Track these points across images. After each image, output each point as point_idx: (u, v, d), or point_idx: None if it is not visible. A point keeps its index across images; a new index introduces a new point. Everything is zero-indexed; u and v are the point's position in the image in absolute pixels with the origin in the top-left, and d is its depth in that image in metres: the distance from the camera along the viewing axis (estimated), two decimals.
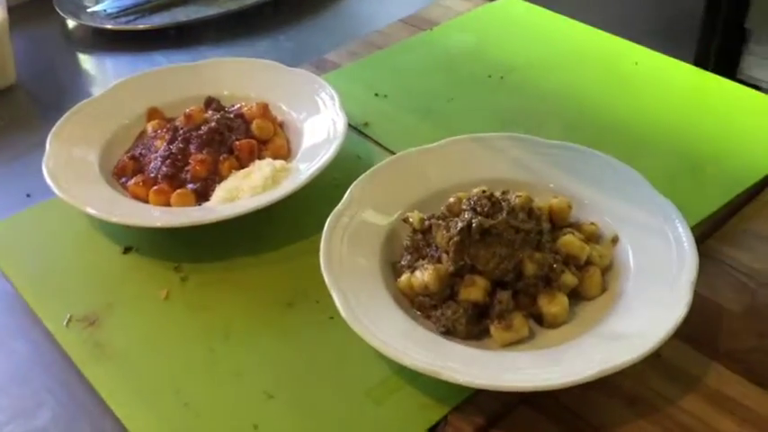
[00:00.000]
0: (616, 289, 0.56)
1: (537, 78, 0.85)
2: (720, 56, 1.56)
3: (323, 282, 0.56)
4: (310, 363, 0.56)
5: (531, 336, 0.55)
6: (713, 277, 0.61)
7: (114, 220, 0.63)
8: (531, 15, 0.97)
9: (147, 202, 0.67)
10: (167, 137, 0.70)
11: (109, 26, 1.03)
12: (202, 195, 0.67)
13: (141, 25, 1.03)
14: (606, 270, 0.59)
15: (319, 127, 0.72)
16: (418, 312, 0.57)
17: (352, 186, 0.63)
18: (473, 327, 0.55)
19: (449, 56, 0.90)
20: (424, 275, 0.56)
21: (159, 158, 0.69)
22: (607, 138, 0.75)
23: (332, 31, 1.01)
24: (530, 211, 0.57)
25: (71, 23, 1.06)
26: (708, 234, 0.65)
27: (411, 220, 0.60)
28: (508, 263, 0.55)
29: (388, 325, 0.54)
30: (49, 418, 0.54)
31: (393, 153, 0.73)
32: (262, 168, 0.66)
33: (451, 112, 0.81)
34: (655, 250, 0.57)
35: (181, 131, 0.70)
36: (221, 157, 0.68)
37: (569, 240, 0.57)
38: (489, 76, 0.86)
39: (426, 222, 0.59)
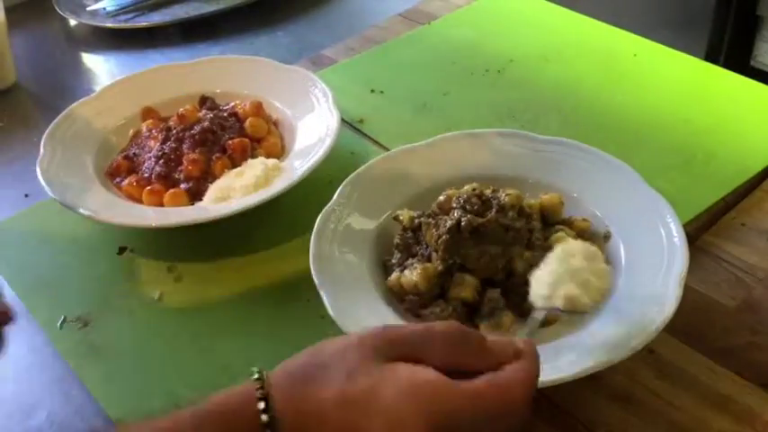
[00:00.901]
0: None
1: (534, 71, 0.85)
2: (733, 44, 1.55)
3: (313, 281, 0.56)
4: None
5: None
6: (708, 272, 0.61)
7: (108, 220, 0.64)
8: (529, 7, 0.97)
9: (140, 202, 0.67)
10: (160, 137, 0.70)
11: (109, 24, 1.03)
12: (195, 195, 0.67)
13: (141, 23, 1.03)
14: None
15: (313, 125, 0.72)
16: (408, 311, 0.56)
17: (342, 185, 0.63)
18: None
19: (446, 50, 0.90)
20: (413, 275, 0.56)
21: (153, 158, 0.69)
22: (605, 131, 0.74)
23: (330, 26, 1.01)
24: (520, 209, 0.57)
25: (71, 22, 1.07)
26: (704, 228, 0.64)
27: (401, 218, 0.60)
28: (498, 261, 0.55)
29: (378, 323, 0.53)
30: (43, 417, 0.55)
31: (387, 149, 0.73)
32: (254, 167, 0.66)
33: (448, 106, 0.81)
34: (645, 246, 0.56)
35: (174, 131, 0.70)
36: (214, 157, 0.68)
37: (561, 237, 0.57)
38: (487, 70, 0.86)
39: (416, 220, 0.59)
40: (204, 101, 0.76)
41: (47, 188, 0.66)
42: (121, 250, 0.66)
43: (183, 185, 0.67)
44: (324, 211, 0.61)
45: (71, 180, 0.68)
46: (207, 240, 0.66)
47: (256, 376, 0.40)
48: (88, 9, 1.06)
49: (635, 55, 0.85)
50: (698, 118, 0.75)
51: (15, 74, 0.94)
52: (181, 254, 0.65)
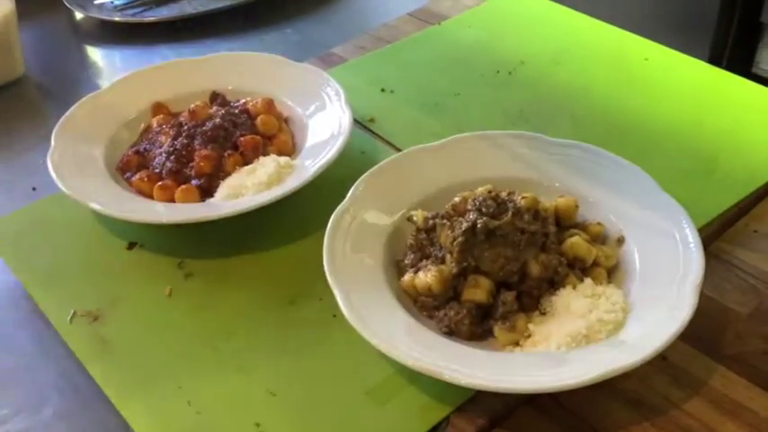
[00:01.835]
0: (621, 290, 0.56)
1: (545, 74, 0.85)
2: (735, 50, 1.55)
3: (326, 280, 0.56)
4: (313, 361, 0.56)
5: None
6: (721, 279, 0.61)
7: (118, 215, 0.63)
8: (540, 9, 0.97)
9: (151, 197, 0.67)
10: (172, 132, 0.70)
11: (116, 18, 1.02)
12: (207, 191, 0.67)
13: (149, 17, 1.02)
14: (612, 271, 0.58)
15: (325, 123, 0.71)
16: (421, 312, 0.56)
17: (355, 184, 0.62)
18: (476, 327, 0.54)
19: (457, 51, 0.90)
20: (427, 277, 0.55)
21: (164, 154, 0.69)
22: (616, 134, 0.74)
23: (339, 24, 1.01)
24: (535, 212, 0.57)
25: (78, 15, 1.06)
26: (716, 235, 0.64)
27: (415, 218, 0.60)
28: (513, 264, 0.55)
29: (391, 324, 0.53)
30: (52, 412, 0.55)
31: (398, 149, 0.73)
32: (266, 165, 0.66)
33: (458, 107, 0.80)
34: (661, 251, 0.56)
35: (185, 127, 0.70)
36: (226, 154, 0.68)
37: (576, 242, 0.57)
38: (497, 72, 0.86)
39: (430, 221, 0.59)
40: (215, 97, 0.76)
41: (58, 182, 0.65)
42: (131, 245, 0.66)
43: (194, 182, 0.67)
44: (337, 209, 0.60)
45: (81, 174, 0.67)
46: (218, 237, 0.66)
47: None
48: (96, 2, 1.06)
49: (646, 59, 0.85)
50: (710, 124, 0.75)
51: (23, 66, 0.93)
52: (191, 250, 0.65)
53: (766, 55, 1.59)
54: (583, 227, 0.60)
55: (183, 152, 0.68)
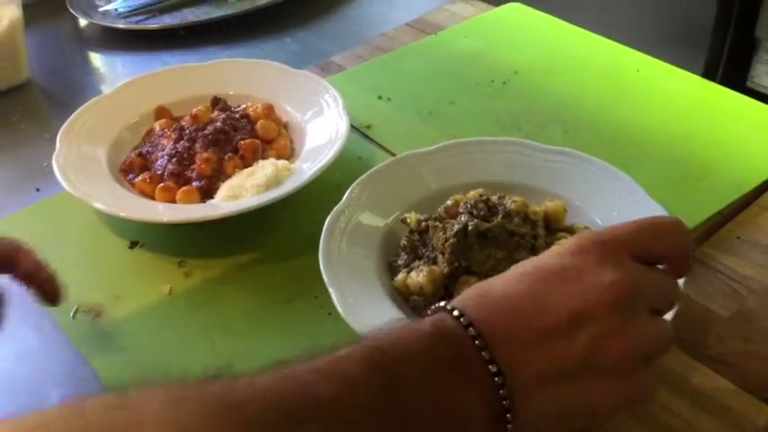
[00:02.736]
0: None
1: (539, 83, 0.87)
2: (730, 64, 1.58)
3: (322, 279, 0.57)
4: None
5: None
6: (705, 283, 0.62)
7: (121, 215, 0.65)
8: (535, 21, 0.99)
9: (153, 198, 0.69)
10: (174, 136, 0.72)
11: (120, 25, 1.05)
12: (207, 193, 0.69)
13: (151, 25, 1.04)
14: None
15: (322, 128, 0.73)
16: (413, 310, 0.58)
17: (351, 186, 0.64)
18: None
19: (452, 60, 0.92)
20: (419, 277, 0.57)
21: (166, 156, 0.71)
22: (607, 143, 0.76)
23: (338, 33, 1.03)
24: (525, 215, 0.59)
25: (83, 22, 1.08)
26: (701, 241, 0.66)
27: (408, 220, 0.61)
28: (503, 266, 0.57)
29: (384, 321, 0.55)
30: (54, 404, 0.56)
31: (394, 155, 0.74)
32: (265, 168, 0.68)
33: (453, 115, 0.82)
34: None
35: (187, 131, 0.72)
36: (226, 156, 0.70)
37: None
38: (492, 81, 0.88)
39: (423, 223, 0.61)
40: (216, 102, 0.78)
41: (63, 182, 0.67)
42: (133, 245, 0.68)
43: (195, 183, 0.69)
44: (333, 210, 0.62)
45: (85, 175, 0.69)
46: (217, 237, 0.68)
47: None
48: (100, 10, 1.08)
49: (638, 70, 0.88)
50: (698, 133, 0.77)
51: (29, 71, 0.95)
52: (191, 250, 0.67)
53: (760, 69, 1.62)
54: (571, 230, 0.62)
55: (185, 155, 0.70)
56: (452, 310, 0.39)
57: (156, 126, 0.76)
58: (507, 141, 0.69)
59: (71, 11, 1.07)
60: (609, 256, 0.40)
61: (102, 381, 0.57)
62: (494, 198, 0.59)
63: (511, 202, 0.59)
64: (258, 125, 0.73)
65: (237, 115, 0.74)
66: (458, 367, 0.37)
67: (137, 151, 0.74)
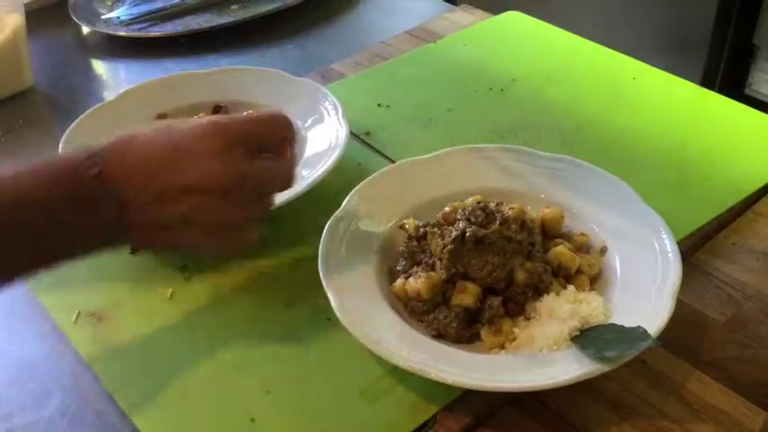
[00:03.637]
0: (603, 296, 0.58)
1: (536, 91, 0.88)
2: (728, 72, 1.59)
3: (322, 284, 0.58)
4: (307, 361, 0.58)
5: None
6: (700, 288, 0.63)
7: None
8: (533, 29, 1.00)
9: None
10: None
11: (122, 33, 1.05)
12: None
13: (154, 32, 1.05)
14: (595, 278, 0.61)
15: (322, 135, 0.74)
16: (411, 315, 0.59)
17: (351, 193, 0.65)
18: (464, 330, 0.57)
19: (451, 68, 0.93)
20: (417, 282, 0.58)
21: None
22: (604, 150, 0.77)
23: (339, 41, 1.04)
24: (522, 222, 0.59)
25: (86, 30, 1.09)
26: (697, 247, 0.67)
27: (407, 226, 0.62)
28: (500, 271, 0.57)
29: (382, 327, 0.56)
30: (56, 407, 0.57)
31: (393, 161, 0.75)
32: None
33: (452, 122, 0.83)
34: (641, 261, 0.59)
35: None
36: None
37: (561, 251, 0.60)
38: (490, 89, 0.88)
39: (422, 230, 0.61)
40: (218, 109, 0.79)
41: None
42: (134, 250, 0.68)
43: None
44: (333, 216, 0.63)
45: None
46: None
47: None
48: (103, 17, 1.09)
49: (634, 78, 0.88)
50: (694, 141, 0.78)
51: (32, 77, 0.96)
52: (193, 255, 0.67)
53: (759, 77, 1.62)
54: (568, 237, 0.63)
55: None
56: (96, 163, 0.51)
57: None
58: (505, 148, 0.70)
59: (74, 19, 1.08)
60: (223, 146, 0.52)
61: (103, 384, 0.57)
62: (491, 205, 0.60)
63: (508, 209, 0.60)
64: None
65: None
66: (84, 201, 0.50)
67: None
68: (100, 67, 1.05)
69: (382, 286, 0.60)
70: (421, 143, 0.78)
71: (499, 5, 1.06)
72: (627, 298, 0.57)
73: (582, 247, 0.62)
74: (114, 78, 1.03)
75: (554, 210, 0.63)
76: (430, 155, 0.69)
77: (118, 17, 1.08)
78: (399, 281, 0.60)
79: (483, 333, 0.56)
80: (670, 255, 0.58)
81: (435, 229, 0.60)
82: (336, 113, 0.75)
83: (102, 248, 0.54)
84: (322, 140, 0.74)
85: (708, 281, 0.64)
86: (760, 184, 0.72)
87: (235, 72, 0.84)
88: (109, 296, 0.64)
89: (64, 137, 0.75)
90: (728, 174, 0.73)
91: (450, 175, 0.67)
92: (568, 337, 0.54)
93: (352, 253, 0.61)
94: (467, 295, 0.57)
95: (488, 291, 0.58)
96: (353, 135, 0.79)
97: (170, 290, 0.64)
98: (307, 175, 0.69)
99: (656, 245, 0.59)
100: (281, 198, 0.66)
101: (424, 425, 0.53)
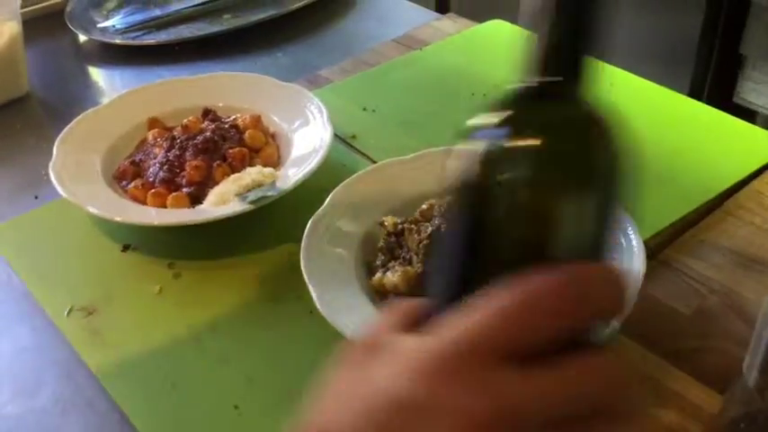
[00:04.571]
0: None
1: None
2: (716, 81, 1.61)
3: (304, 279, 0.61)
4: (289, 352, 0.61)
5: None
6: (668, 283, 0.66)
7: (114, 219, 0.69)
8: (514, 37, 1.02)
9: (145, 204, 0.72)
10: (165, 145, 0.75)
11: (117, 41, 1.08)
12: (196, 199, 0.72)
13: (148, 41, 1.08)
14: None
15: (308, 138, 0.77)
16: None
17: (332, 192, 0.68)
18: None
19: (435, 74, 0.96)
20: (394, 277, 0.60)
21: (157, 164, 0.74)
22: None
23: (327, 49, 1.06)
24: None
25: (82, 38, 1.12)
26: (666, 243, 0.69)
27: (386, 223, 0.65)
28: None
29: (361, 319, 0.58)
30: (48, 397, 0.59)
31: (376, 163, 0.78)
32: (251, 174, 0.71)
33: (434, 125, 0.86)
34: None
35: (178, 140, 0.75)
36: (215, 164, 0.73)
37: None
38: (472, 94, 0.91)
39: (400, 226, 0.64)
40: (207, 113, 0.81)
41: (58, 188, 0.70)
42: (125, 247, 0.71)
43: (185, 189, 0.72)
44: (316, 214, 0.66)
45: (81, 181, 0.73)
46: (205, 240, 0.71)
47: None
48: (98, 26, 1.11)
49: (611, 84, 0.91)
50: (665, 142, 0.80)
51: (28, 84, 0.99)
52: (181, 252, 0.70)
53: (747, 86, 1.65)
54: None
55: (176, 163, 0.73)
56: None
57: (149, 136, 0.79)
58: None
59: (71, 27, 1.10)
60: (463, 375, 0.27)
61: (93, 373, 0.60)
62: None
63: None
64: (246, 135, 0.77)
65: (227, 125, 0.78)
66: None
67: (130, 159, 0.77)
68: (95, 74, 1.08)
69: (361, 280, 0.62)
70: (404, 146, 0.80)
71: (487, 14, 1.08)
72: None
73: None
74: (109, 85, 1.06)
75: None
76: (409, 156, 0.72)
77: (113, 26, 1.11)
78: (378, 275, 0.62)
79: None
80: (635, 250, 0.61)
81: (412, 226, 0.62)
82: (321, 117, 0.78)
83: None
84: (307, 143, 0.76)
85: (676, 276, 0.66)
86: (728, 184, 0.74)
87: (224, 78, 0.87)
88: (100, 291, 0.67)
89: (58, 138, 0.77)
90: (697, 174, 0.76)
91: (429, 175, 0.70)
92: None
93: (333, 249, 0.64)
94: None
95: None
96: (339, 138, 0.81)
97: (158, 286, 0.67)
98: (292, 176, 0.72)
99: (623, 241, 0.62)
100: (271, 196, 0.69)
101: None
